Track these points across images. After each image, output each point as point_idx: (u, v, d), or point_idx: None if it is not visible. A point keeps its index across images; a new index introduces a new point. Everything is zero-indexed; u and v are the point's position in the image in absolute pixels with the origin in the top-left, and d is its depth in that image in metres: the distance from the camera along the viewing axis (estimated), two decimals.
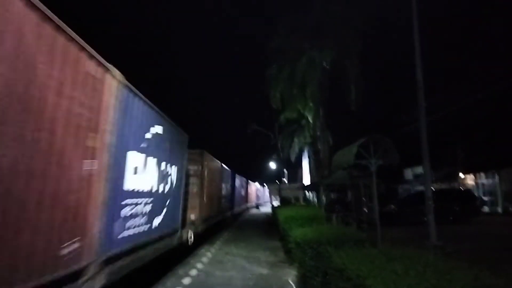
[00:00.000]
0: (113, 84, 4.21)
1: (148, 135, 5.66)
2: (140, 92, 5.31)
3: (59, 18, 3.02)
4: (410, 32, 8.43)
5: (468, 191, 20.20)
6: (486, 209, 22.49)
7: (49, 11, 2.85)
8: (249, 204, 38.03)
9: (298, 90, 16.96)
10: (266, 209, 41.02)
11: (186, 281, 7.01)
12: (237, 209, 25.50)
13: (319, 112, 17.56)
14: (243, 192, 30.29)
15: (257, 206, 45.40)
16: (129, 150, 4.85)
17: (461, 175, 25.73)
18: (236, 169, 24.70)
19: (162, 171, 6.56)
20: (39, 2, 2.75)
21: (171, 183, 7.35)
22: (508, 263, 5.82)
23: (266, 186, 60.81)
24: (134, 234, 5.13)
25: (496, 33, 18.21)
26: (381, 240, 7.37)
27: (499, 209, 21.88)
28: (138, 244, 5.29)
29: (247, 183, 33.87)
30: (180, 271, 7.91)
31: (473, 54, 19.85)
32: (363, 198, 12.08)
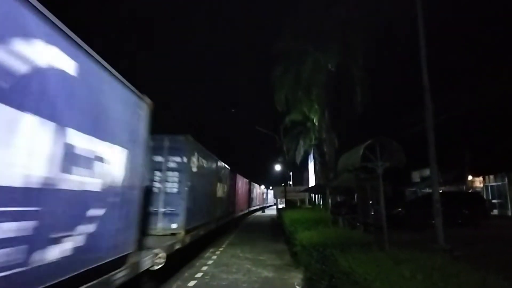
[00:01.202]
0: None
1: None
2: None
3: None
4: (416, 33, 8.39)
5: (476, 194, 20.00)
6: (495, 212, 22.21)
7: None
8: (252, 208, 34.90)
9: (303, 92, 16.96)
10: (272, 212, 40.96)
11: (192, 283, 7.01)
12: (238, 214, 22.52)
13: (325, 114, 17.53)
14: (245, 194, 27.56)
15: (262, 209, 45.38)
16: None
17: (469, 177, 25.46)
18: (242, 172, 24.69)
19: (70, 147, 3.23)
20: None
21: (112, 176, 4.21)
22: None
23: (272, 189, 60.70)
24: None
25: (506, 33, 18.03)
26: (388, 243, 7.29)
27: (509, 212, 21.61)
28: None
29: (250, 185, 30.76)
30: (186, 273, 7.92)
31: (481, 55, 19.66)
32: (370, 201, 11.98)
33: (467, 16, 19.06)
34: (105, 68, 4.04)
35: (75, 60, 3.34)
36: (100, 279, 3.70)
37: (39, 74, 2.85)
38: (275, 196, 42.20)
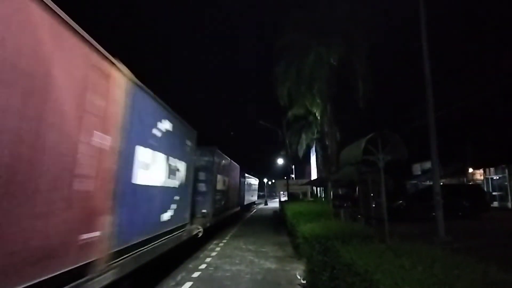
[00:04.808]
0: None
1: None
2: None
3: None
4: (419, 27, 8.38)
5: (477, 186, 20.04)
6: (495, 204, 22.30)
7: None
8: (245, 204, 27.38)
9: (305, 86, 16.92)
10: (274, 204, 41.15)
11: (196, 274, 7.13)
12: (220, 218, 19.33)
13: (327, 108, 17.52)
14: (235, 186, 19.17)
15: (265, 202, 45.63)
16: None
17: (470, 170, 25.50)
18: (244, 166, 24.63)
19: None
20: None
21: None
22: None
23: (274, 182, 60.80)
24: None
25: (507, 26, 17.90)
26: (389, 235, 7.38)
27: (509, 204, 21.68)
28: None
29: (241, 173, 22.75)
30: (190, 265, 8.05)
31: (483, 48, 19.54)
32: (371, 194, 12.05)
33: (470, 8, 18.92)
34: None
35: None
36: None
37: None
38: (277, 190, 42.08)
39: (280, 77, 17.75)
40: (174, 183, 6.99)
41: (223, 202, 14.23)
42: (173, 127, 6.75)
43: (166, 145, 6.32)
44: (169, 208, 6.57)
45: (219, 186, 13.27)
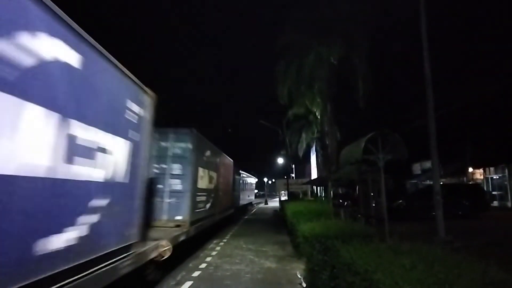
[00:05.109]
0: None
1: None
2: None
3: None
4: (419, 27, 8.38)
5: (477, 186, 20.06)
6: (495, 203, 22.32)
7: None
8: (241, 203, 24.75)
9: (305, 86, 16.97)
10: (274, 204, 41.17)
11: (196, 273, 7.14)
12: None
13: (327, 107, 17.55)
14: (226, 183, 15.21)
15: (265, 201, 45.69)
16: None
17: (470, 169, 25.51)
18: (245, 165, 24.58)
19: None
20: None
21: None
22: None
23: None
24: None
25: (507, 26, 17.89)
26: (389, 235, 7.38)
27: (509, 204, 21.70)
28: None
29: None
30: (190, 264, 8.05)
31: (483, 47, 19.55)
32: (371, 193, 12.06)
33: (470, 8, 18.91)
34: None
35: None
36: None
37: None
38: (277, 189, 42.11)
39: (280, 77, 17.80)
40: (91, 174, 3.60)
41: (208, 205, 10.87)
42: (87, 64, 3.48)
43: (57, 92, 3.05)
44: (72, 224, 3.25)
45: (203, 183, 10.07)
